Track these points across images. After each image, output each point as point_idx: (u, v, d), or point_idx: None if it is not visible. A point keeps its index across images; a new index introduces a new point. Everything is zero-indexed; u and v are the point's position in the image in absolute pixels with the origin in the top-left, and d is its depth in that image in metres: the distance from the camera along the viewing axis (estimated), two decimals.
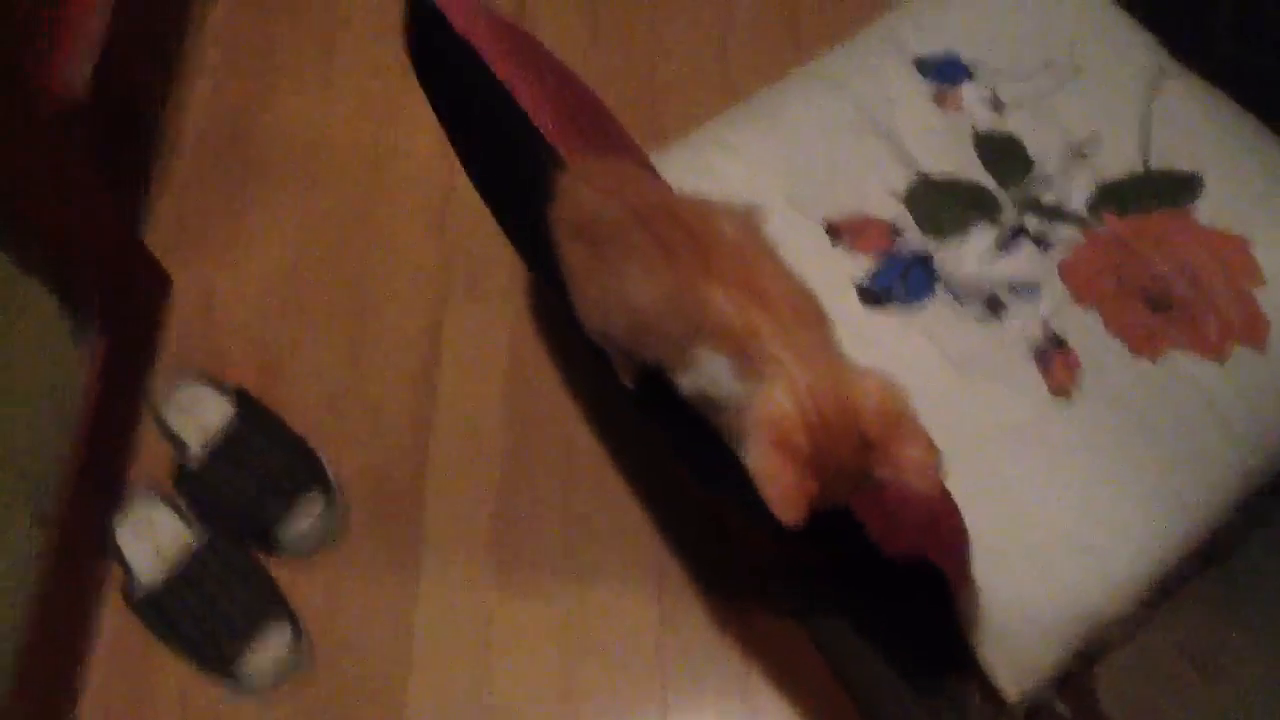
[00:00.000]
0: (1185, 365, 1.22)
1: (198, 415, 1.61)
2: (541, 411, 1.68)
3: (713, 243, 0.78)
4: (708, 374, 0.77)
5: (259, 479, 1.55)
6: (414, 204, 1.84)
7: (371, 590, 1.57)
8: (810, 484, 0.72)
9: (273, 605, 1.49)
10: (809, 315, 0.78)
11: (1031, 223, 1.35)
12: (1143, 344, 1.25)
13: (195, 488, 1.56)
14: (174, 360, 1.74)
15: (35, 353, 1.56)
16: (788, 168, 1.42)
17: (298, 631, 1.49)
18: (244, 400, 1.62)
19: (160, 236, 1.86)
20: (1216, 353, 1.23)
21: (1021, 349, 1.27)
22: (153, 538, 1.52)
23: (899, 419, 0.75)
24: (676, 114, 1.84)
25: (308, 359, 1.74)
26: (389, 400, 1.70)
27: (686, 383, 0.80)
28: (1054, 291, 1.30)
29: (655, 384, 0.88)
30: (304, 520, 1.55)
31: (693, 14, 2.01)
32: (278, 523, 1.54)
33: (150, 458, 1.65)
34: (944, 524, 0.92)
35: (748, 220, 0.82)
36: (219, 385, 1.64)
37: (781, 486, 0.70)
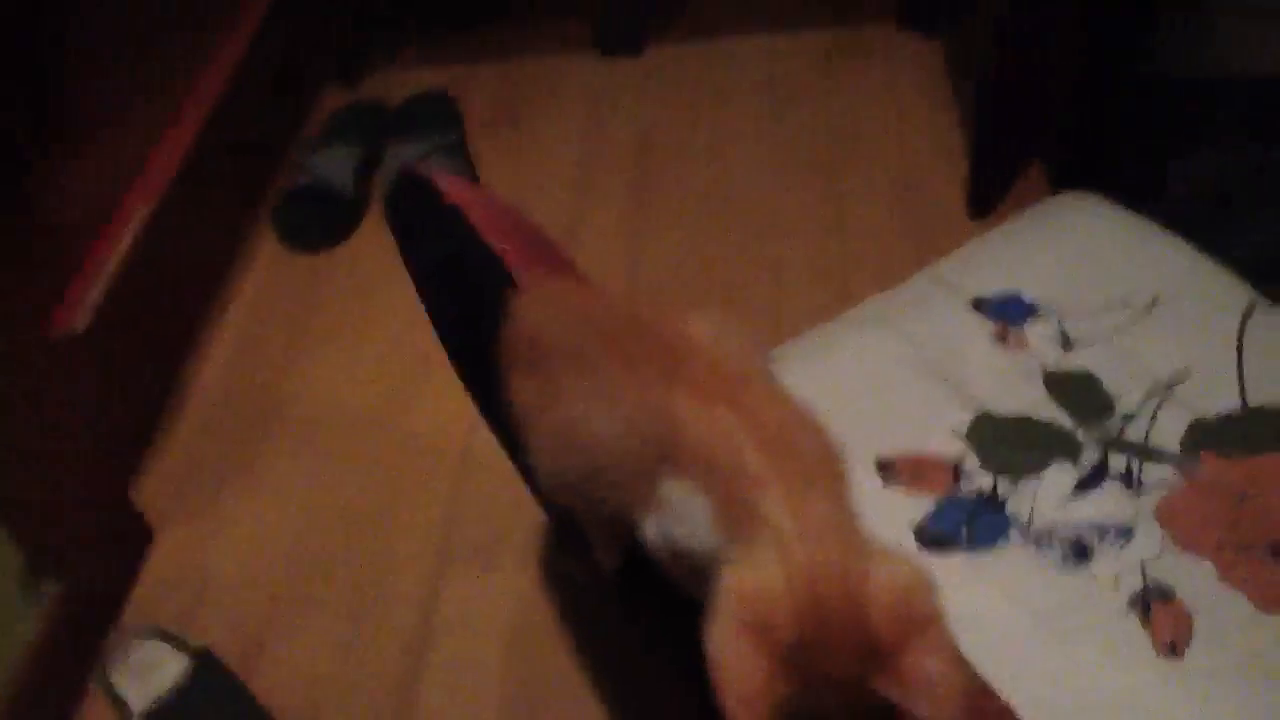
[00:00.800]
0: None
1: (148, 677, 1.39)
2: (546, 701, 1.43)
3: (683, 347, 0.62)
4: (680, 515, 0.58)
5: None
6: (425, 480, 1.70)
7: None
8: (780, 687, 0.53)
9: None
10: (818, 461, 0.60)
11: (1117, 462, 1.16)
12: (1271, 599, 1.02)
13: None
14: (142, 619, 1.54)
15: None
16: (836, 408, 1.26)
17: None
18: (205, 662, 1.41)
19: (153, 490, 1.73)
20: None
21: (1117, 600, 1.05)
22: None
23: (922, 622, 0.56)
24: None
25: (292, 636, 1.53)
26: (376, 681, 1.47)
27: (653, 532, 0.61)
28: (1151, 536, 1.10)
29: (639, 566, 0.69)
30: None
31: (749, 255, 1.94)
32: None
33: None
34: None
35: (734, 328, 0.66)
36: (180, 644, 1.43)
37: (740, 680, 0.51)
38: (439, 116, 2.21)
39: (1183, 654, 0.99)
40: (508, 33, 2.44)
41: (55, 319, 1.59)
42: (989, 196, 1.79)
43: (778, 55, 2.30)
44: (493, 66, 2.38)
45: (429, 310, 1.01)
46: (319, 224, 2.10)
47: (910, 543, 1.13)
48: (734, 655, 0.53)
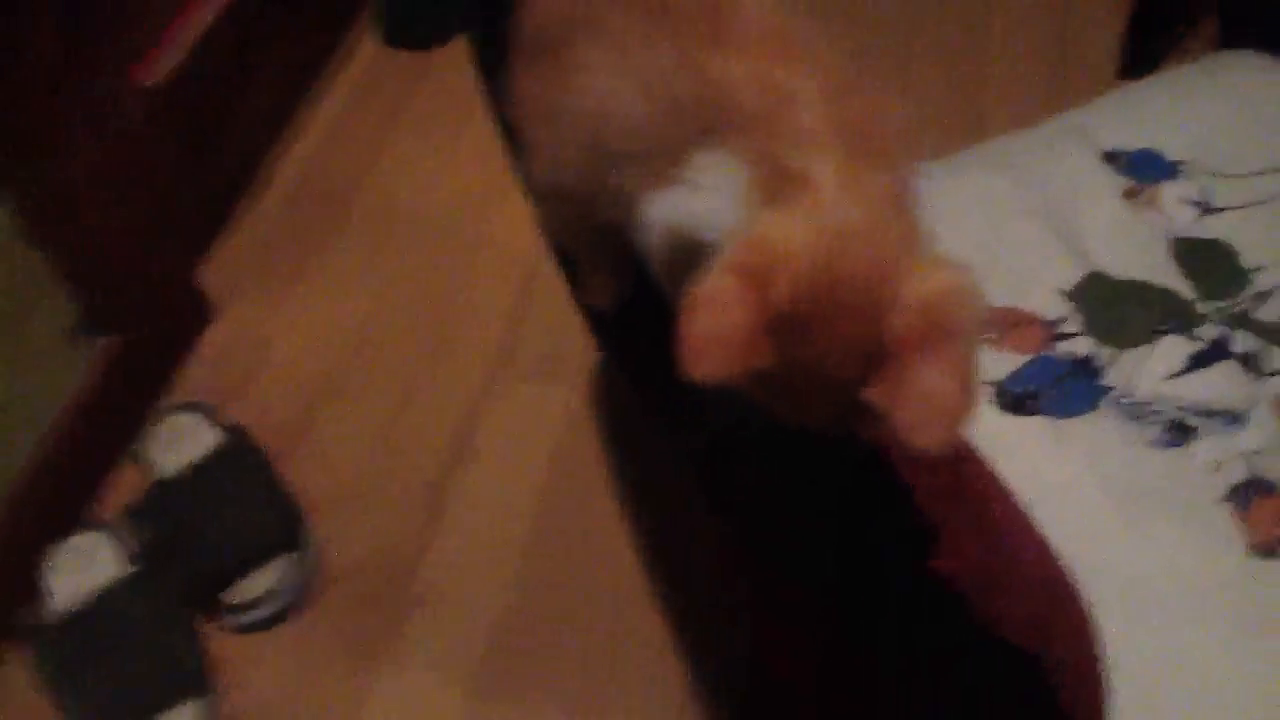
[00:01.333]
0: None
1: (180, 445, 1.36)
2: (575, 519, 1.37)
3: (730, 6, 0.50)
4: (708, 188, 0.48)
5: (224, 529, 1.28)
6: (494, 287, 1.62)
7: (321, 686, 1.24)
8: (762, 346, 0.45)
9: (191, 683, 1.18)
10: (886, 137, 0.49)
11: (1241, 341, 1.02)
12: None
13: (150, 524, 1.30)
14: (189, 395, 1.51)
15: (39, 353, 1.36)
16: (937, 242, 1.14)
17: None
18: (236, 439, 1.37)
19: (223, 268, 1.69)
20: None
21: (1213, 488, 0.92)
22: (84, 571, 1.25)
23: (947, 334, 0.46)
24: None
25: (336, 422, 1.50)
26: (411, 477, 1.42)
27: (662, 214, 0.51)
28: (1266, 426, 0.96)
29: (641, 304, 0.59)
30: (260, 587, 1.25)
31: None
32: (229, 585, 1.25)
33: (125, 486, 1.41)
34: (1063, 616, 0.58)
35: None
36: (214, 418, 1.40)
37: (714, 318, 0.43)
38: None
39: (1277, 553, 0.86)
40: None
41: (137, 70, 1.54)
42: (1147, 55, 1.59)
43: None
44: None
45: None
46: (424, 20, 2.00)
47: (987, 400, 1.01)
48: (719, 294, 0.44)
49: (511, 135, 0.67)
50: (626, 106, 0.53)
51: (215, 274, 1.68)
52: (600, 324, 0.81)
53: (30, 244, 1.32)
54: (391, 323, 1.60)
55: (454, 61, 1.97)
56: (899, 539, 0.58)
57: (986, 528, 0.63)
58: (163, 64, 1.56)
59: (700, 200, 0.49)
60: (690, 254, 0.49)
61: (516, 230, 1.61)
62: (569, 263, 0.73)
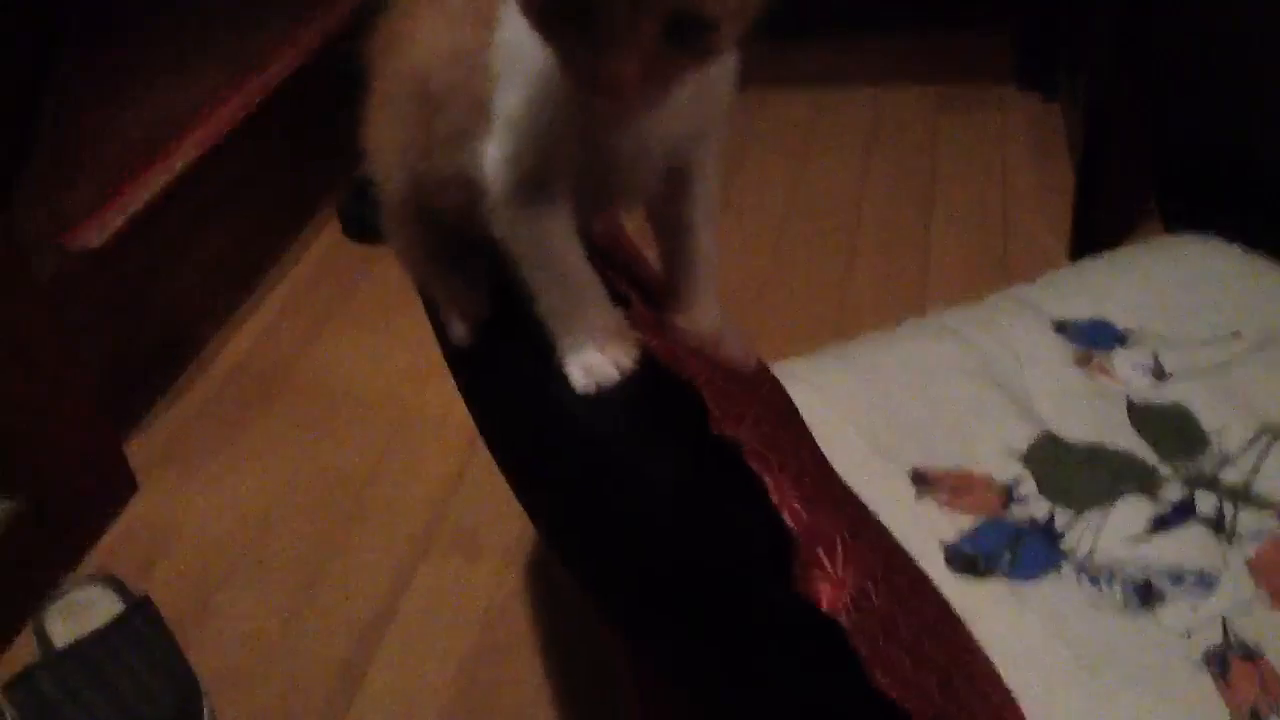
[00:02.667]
0: None
1: (80, 616, 1.26)
2: (496, 702, 1.25)
3: None
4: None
5: (114, 704, 1.16)
6: (423, 463, 1.56)
7: None
8: None
9: None
10: None
11: (1205, 502, 0.96)
12: None
13: (33, 697, 1.17)
14: (102, 567, 1.41)
15: None
16: (878, 409, 1.11)
17: None
18: (138, 610, 1.27)
19: (149, 441, 1.62)
20: None
21: (1187, 653, 0.84)
22: None
23: None
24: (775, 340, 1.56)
25: (249, 598, 1.40)
26: (324, 654, 1.31)
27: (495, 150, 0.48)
28: (1240, 588, 0.89)
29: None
30: None
31: (819, 251, 1.80)
32: None
33: (19, 658, 1.29)
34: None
35: None
36: (120, 589, 1.30)
37: None
38: None
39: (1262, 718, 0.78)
40: None
41: (76, 233, 1.51)
42: (1093, 242, 1.60)
43: (885, 104, 2.17)
44: None
45: None
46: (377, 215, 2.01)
47: (938, 560, 0.94)
48: None
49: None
50: (445, 50, 0.52)
51: (142, 446, 1.61)
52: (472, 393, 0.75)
53: None
54: (315, 499, 1.52)
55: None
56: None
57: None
58: (100, 230, 1.54)
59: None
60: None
61: (449, 407, 1.56)
62: (432, 308, 0.69)
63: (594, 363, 0.53)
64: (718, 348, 0.59)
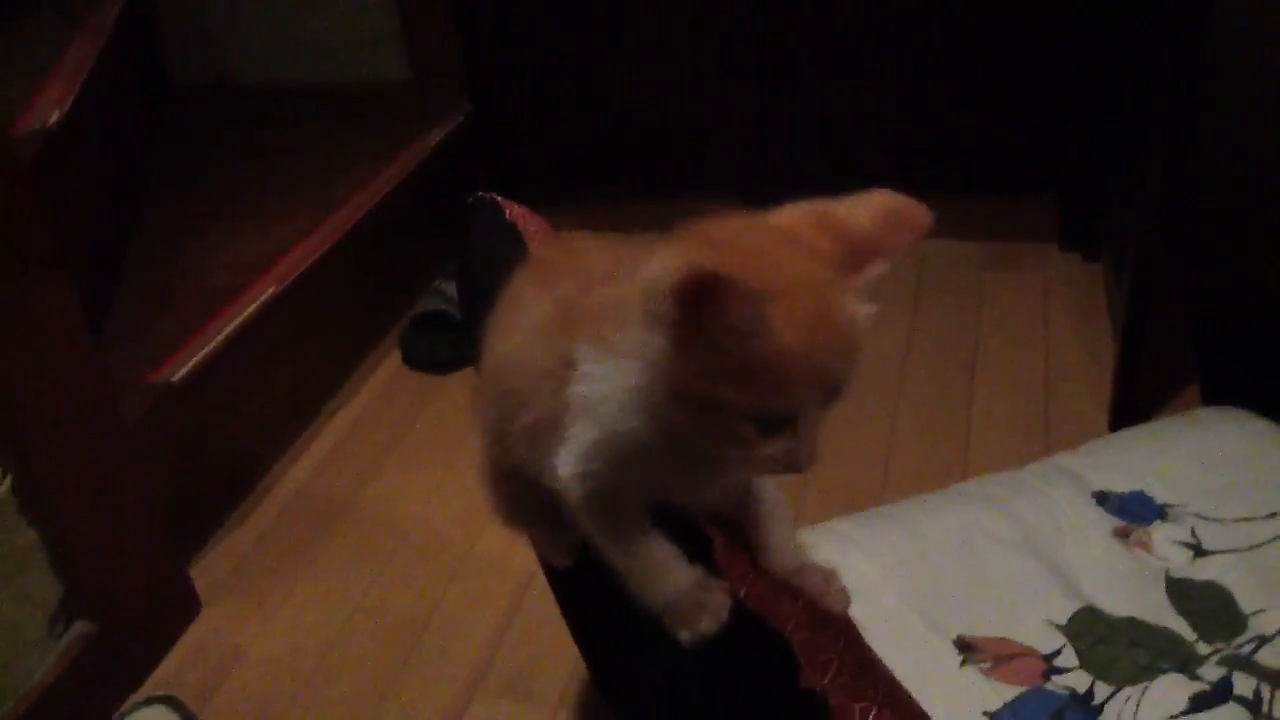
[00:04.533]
0: None
1: None
2: None
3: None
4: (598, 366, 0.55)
5: None
6: (479, 603, 1.59)
7: None
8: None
9: None
10: None
11: (1243, 684, 0.98)
12: None
13: None
14: (162, 688, 1.46)
15: (17, 630, 1.34)
16: (923, 575, 1.15)
17: None
18: None
19: (212, 567, 1.67)
20: None
21: None
22: None
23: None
24: (818, 500, 1.61)
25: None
26: None
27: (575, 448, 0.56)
28: None
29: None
30: None
31: (864, 407, 1.83)
32: None
33: None
34: None
35: None
36: (181, 709, 1.35)
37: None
38: None
39: None
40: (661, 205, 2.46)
41: (159, 370, 1.60)
42: (1133, 409, 1.64)
43: (929, 260, 2.24)
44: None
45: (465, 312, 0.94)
46: (442, 349, 2.10)
47: None
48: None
49: None
50: (520, 347, 0.60)
51: (206, 570, 1.67)
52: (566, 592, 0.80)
53: (25, 519, 1.32)
54: (371, 633, 1.56)
55: (463, 385, 2.05)
56: None
57: None
58: (180, 367, 1.63)
59: (600, 381, 0.54)
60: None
61: (508, 549, 1.60)
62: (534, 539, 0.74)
63: (692, 619, 0.58)
64: (802, 581, 0.64)
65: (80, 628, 1.42)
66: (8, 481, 1.30)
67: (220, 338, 1.70)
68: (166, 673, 1.51)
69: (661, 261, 0.47)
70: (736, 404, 0.49)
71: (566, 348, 0.56)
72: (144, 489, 1.52)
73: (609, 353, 0.53)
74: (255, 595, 1.63)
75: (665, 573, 0.58)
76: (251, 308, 1.76)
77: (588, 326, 0.54)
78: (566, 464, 0.56)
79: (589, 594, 0.67)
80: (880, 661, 0.60)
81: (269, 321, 1.80)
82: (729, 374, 0.48)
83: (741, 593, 0.54)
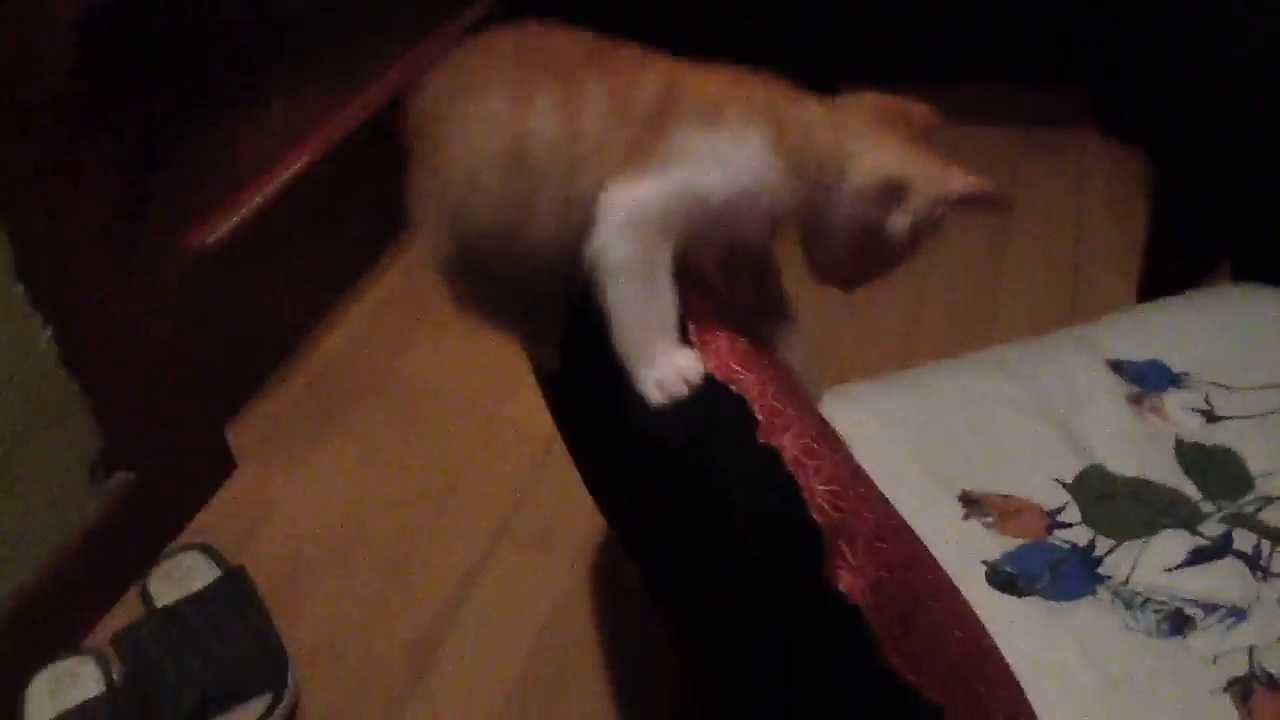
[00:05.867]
0: None
1: (181, 580, 1.36)
2: (556, 690, 1.33)
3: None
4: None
5: (209, 661, 1.26)
6: (502, 462, 1.65)
7: None
8: None
9: None
10: None
11: (1244, 540, 1.00)
12: None
13: (136, 651, 1.28)
14: (199, 536, 1.52)
15: (60, 479, 1.40)
16: (931, 433, 1.16)
17: None
18: (233, 578, 1.37)
19: (250, 427, 1.73)
20: None
21: (1211, 680, 0.88)
22: (63, 696, 1.22)
23: None
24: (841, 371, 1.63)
25: (333, 578, 1.50)
26: (399, 636, 1.40)
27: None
28: (1271, 621, 0.93)
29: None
30: None
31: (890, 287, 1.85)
32: (208, 717, 1.22)
33: (125, 616, 1.40)
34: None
35: None
36: (218, 559, 1.40)
37: None
38: None
39: None
40: None
41: (193, 235, 1.64)
42: (1162, 291, 1.63)
43: (966, 147, 2.21)
44: None
45: None
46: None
47: (979, 577, 1.00)
48: None
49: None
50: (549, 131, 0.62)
51: (242, 431, 1.72)
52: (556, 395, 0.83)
53: (66, 370, 1.37)
54: (401, 491, 1.62)
55: None
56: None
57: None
58: (216, 231, 1.66)
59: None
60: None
61: (533, 412, 1.63)
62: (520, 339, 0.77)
63: (666, 379, 0.60)
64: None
65: (120, 477, 1.48)
66: (48, 332, 1.35)
67: (255, 205, 1.73)
68: (203, 525, 1.57)
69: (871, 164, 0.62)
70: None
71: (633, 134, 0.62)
72: (180, 349, 1.57)
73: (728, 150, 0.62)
74: (289, 456, 1.69)
75: (660, 329, 0.60)
76: (287, 176, 1.78)
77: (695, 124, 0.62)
78: (643, 189, 0.61)
79: (576, 396, 0.69)
80: (859, 467, 0.62)
81: (304, 191, 1.82)
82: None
83: (711, 365, 0.56)
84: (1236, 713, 0.85)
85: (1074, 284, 1.84)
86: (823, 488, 0.52)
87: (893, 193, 0.63)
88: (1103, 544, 1.02)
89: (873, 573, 0.52)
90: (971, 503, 1.08)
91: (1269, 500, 1.04)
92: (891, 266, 0.66)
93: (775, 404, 0.54)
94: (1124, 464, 1.10)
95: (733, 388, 0.55)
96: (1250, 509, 1.03)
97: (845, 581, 0.51)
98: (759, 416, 0.53)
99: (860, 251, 0.66)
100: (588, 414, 0.73)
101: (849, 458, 0.60)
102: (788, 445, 0.53)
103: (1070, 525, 1.05)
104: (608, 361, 0.61)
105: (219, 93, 2.03)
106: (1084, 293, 1.82)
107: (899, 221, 0.64)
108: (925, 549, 0.66)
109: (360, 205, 2.03)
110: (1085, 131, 2.20)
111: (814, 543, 0.51)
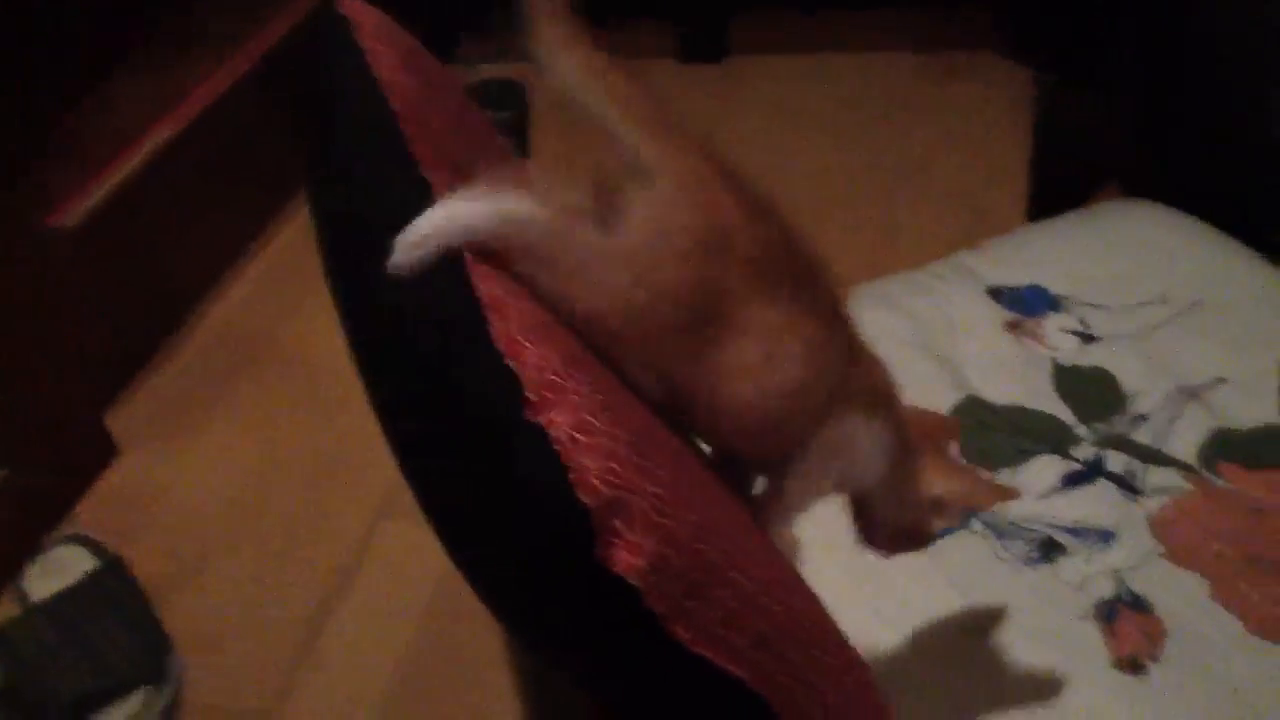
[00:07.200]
0: None
1: (56, 574, 1.31)
2: (444, 665, 1.30)
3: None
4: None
5: (86, 656, 1.21)
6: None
7: None
8: None
9: None
10: None
11: (1116, 461, 0.99)
12: (1266, 623, 0.83)
13: (12, 651, 1.23)
14: (81, 530, 1.47)
15: None
16: None
17: None
18: (110, 569, 1.32)
19: (132, 411, 1.67)
20: None
21: (1079, 605, 0.87)
22: None
23: None
24: None
25: (221, 561, 1.45)
26: (287, 615, 1.36)
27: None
28: (1137, 543, 0.92)
29: None
30: (119, 718, 1.18)
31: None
32: (87, 714, 1.18)
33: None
34: None
35: None
36: (96, 550, 1.36)
37: None
38: (505, 98, 2.17)
39: (1144, 670, 0.81)
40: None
41: (57, 214, 1.57)
42: (1050, 210, 1.62)
43: (867, 73, 2.18)
44: None
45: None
46: None
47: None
48: None
49: None
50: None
51: (123, 416, 1.66)
52: None
53: None
54: (289, 465, 1.57)
55: None
56: None
57: None
58: (78, 210, 1.59)
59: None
60: None
61: None
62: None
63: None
64: None
65: None
66: None
67: (119, 181, 1.65)
68: (85, 516, 1.51)
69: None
70: None
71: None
72: (53, 333, 1.50)
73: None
74: (173, 439, 1.63)
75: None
76: (150, 149, 1.70)
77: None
78: None
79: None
80: (666, 440, 0.59)
81: (177, 163, 1.75)
82: None
83: (497, 333, 0.52)
84: (1101, 636, 0.84)
85: (973, 210, 1.82)
86: (596, 465, 0.49)
87: (935, 506, 0.74)
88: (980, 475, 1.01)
89: (654, 549, 0.49)
90: None
91: (1140, 419, 1.02)
92: (923, 545, 0.76)
93: (554, 379, 0.51)
94: (1001, 392, 1.09)
95: (509, 362, 0.51)
96: (1122, 429, 1.02)
97: (622, 562, 0.48)
98: (529, 393, 0.50)
99: (901, 535, 0.76)
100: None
101: (648, 431, 0.57)
102: (558, 423, 0.49)
103: None
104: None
105: (72, 70, 1.95)
106: (984, 219, 1.80)
107: (936, 524, 0.75)
108: (736, 517, 0.63)
109: (241, 175, 1.97)
110: (987, 55, 2.17)
111: (582, 524, 0.48)
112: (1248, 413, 1.01)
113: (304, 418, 1.64)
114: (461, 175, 0.59)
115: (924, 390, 1.09)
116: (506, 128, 2.09)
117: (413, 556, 1.41)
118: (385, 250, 0.54)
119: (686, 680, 0.54)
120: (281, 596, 1.39)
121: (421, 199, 0.56)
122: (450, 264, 0.54)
